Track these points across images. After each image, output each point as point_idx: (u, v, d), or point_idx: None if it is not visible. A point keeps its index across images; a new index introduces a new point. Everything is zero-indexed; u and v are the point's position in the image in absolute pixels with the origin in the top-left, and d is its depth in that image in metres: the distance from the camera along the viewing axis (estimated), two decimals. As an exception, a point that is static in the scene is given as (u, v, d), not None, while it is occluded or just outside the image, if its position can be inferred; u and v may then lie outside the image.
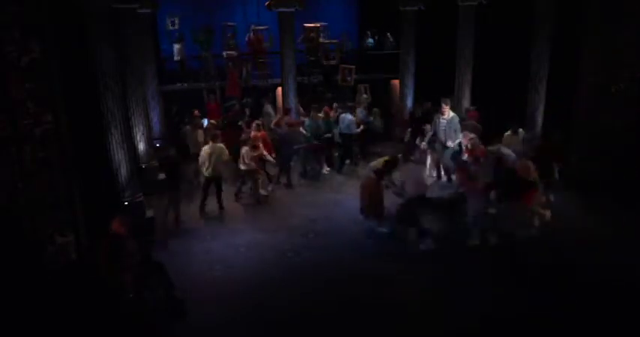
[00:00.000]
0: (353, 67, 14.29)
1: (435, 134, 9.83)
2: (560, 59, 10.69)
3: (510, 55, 11.67)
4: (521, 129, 9.80)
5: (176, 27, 14.50)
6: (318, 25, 14.69)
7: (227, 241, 8.16)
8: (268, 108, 13.12)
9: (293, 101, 12.63)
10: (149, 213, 8.65)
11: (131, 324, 5.81)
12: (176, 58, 14.66)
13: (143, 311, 5.99)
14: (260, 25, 14.92)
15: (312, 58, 14.87)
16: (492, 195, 7.62)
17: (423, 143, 10.26)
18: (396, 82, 14.69)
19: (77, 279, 6.37)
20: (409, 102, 13.72)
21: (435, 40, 13.11)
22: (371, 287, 6.73)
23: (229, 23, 14.82)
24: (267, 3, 12.23)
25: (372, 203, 8.01)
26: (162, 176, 10.76)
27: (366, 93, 14.30)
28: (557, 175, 8.88)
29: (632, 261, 7.02)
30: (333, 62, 14.63)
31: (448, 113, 9.44)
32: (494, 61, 11.87)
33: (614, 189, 9.15)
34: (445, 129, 9.37)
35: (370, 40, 16.36)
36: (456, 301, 6.31)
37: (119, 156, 8.17)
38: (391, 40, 16.01)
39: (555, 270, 6.96)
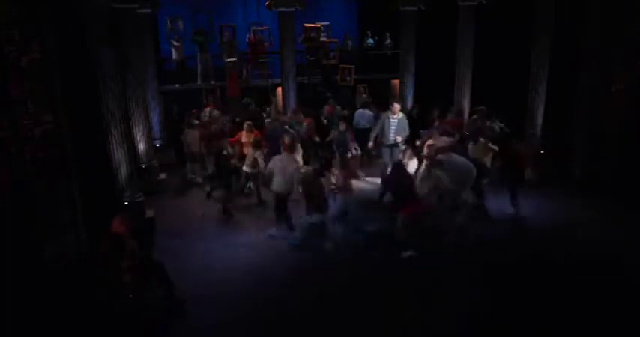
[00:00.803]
0: (352, 66, 14.28)
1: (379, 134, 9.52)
2: (560, 59, 10.69)
3: (510, 55, 11.67)
4: (482, 139, 9.24)
5: (180, 28, 14.45)
6: (319, 25, 14.69)
7: (227, 241, 8.15)
8: (206, 112, 12.51)
9: (293, 101, 12.63)
10: (149, 213, 8.65)
11: (131, 324, 5.81)
12: (174, 57, 14.63)
13: (143, 310, 5.99)
14: (260, 26, 14.93)
15: (312, 58, 14.87)
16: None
17: (370, 143, 9.83)
18: (397, 82, 14.70)
19: (77, 279, 6.37)
20: (409, 103, 13.72)
21: (435, 40, 13.11)
22: (370, 287, 6.73)
23: (228, 24, 14.81)
24: (267, 3, 12.23)
25: (309, 198, 7.95)
26: (163, 176, 10.79)
27: (365, 93, 14.31)
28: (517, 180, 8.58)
29: (633, 261, 7.03)
30: (333, 62, 14.63)
31: (398, 113, 9.33)
32: (495, 61, 11.87)
33: (615, 189, 9.17)
34: (396, 129, 9.26)
35: (370, 41, 16.37)
36: (451, 301, 6.33)
37: (119, 156, 8.17)
38: (389, 40, 16.00)
39: (553, 269, 6.98)
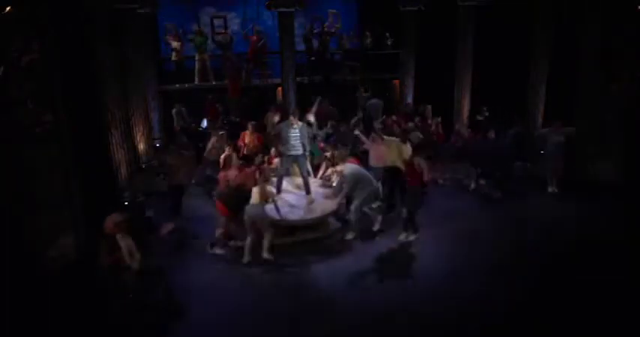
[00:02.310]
0: (354, 65, 14.27)
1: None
2: (560, 59, 10.70)
3: (510, 55, 11.67)
4: (408, 145, 8.66)
5: (176, 30, 14.38)
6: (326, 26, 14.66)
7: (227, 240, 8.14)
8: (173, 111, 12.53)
9: (293, 101, 12.63)
10: (149, 213, 8.64)
11: (131, 324, 5.81)
12: (173, 58, 14.60)
13: (143, 310, 5.99)
14: (259, 26, 14.90)
15: (312, 58, 14.85)
16: None
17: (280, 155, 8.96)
18: (398, 81, 14.67)
19: (77, 279, 6.37)
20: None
21: (435, 40, 13.10)
22: (364, 284, 6.76)
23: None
24: (267, 3, 12.23)
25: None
26: (162, 176, 10.77)
27: (366, 92, 14.27)
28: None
29: (632, 261, 7.03)
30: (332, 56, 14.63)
31: (297, 122, 8.46)
32: (495, 61, 11.87)
33: (615, 189, 9.17)
34: (298, 140, 8.37)
35: (368, 40, 16.32)
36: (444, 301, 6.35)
37: (119, 156, 8.17)
38: (390, 40, 15.96)
39: (551, 269, 6.98)
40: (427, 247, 7.68)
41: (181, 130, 11.91)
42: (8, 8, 5.70)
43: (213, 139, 9.58)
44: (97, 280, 5.92)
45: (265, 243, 7.27)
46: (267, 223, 7.24)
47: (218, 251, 7.60)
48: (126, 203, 8.16)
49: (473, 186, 9.91)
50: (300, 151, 8.35)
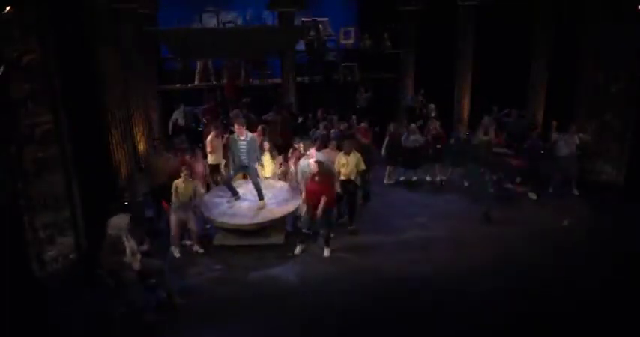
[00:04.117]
0: (354, 64, 14.27)
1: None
2: (560, 59, 10.70)
3: (510, 54, 11.67)
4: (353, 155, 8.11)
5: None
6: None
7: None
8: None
9: (293, 101, 12.63)
10: (149, 213, 8.64)
11: (131, 324, 5.81)
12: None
13: (143, 310, 5.99)
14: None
15: (312, 58, 14.84)
16: None
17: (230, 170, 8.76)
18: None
19: (77, 279, 6.38)
20: (408, 103, 13.71)
21: (435, 40, 13.10)
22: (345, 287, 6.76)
23: (228, 19, 14.70)
24: (267, 4, 12.24)
25: None
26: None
27: (366, 92, 14.28)
28: None
29: (629, 260, 7.04)
30: (332, 58, 14.62)
31: (246, 134, 7.99)
32: (495, 61, 11.87)
33: (616, 189, 9.17)
34: (247, 151, 8.09)
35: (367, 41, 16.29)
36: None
37: (119, 156, 8.17)
38: (388, 41, 15.96)
39: (548, 269, 6.99)
40: (428, 247, 7.71)
41: (183, 130, 11.92)
42: (8, 8, 5.69)
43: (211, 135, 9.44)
44: (97, 280, 5.92)
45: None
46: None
47: (188, 242, 7.77)
48: (126, 203, 8.16)
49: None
50: (247, 163, 8.08)
